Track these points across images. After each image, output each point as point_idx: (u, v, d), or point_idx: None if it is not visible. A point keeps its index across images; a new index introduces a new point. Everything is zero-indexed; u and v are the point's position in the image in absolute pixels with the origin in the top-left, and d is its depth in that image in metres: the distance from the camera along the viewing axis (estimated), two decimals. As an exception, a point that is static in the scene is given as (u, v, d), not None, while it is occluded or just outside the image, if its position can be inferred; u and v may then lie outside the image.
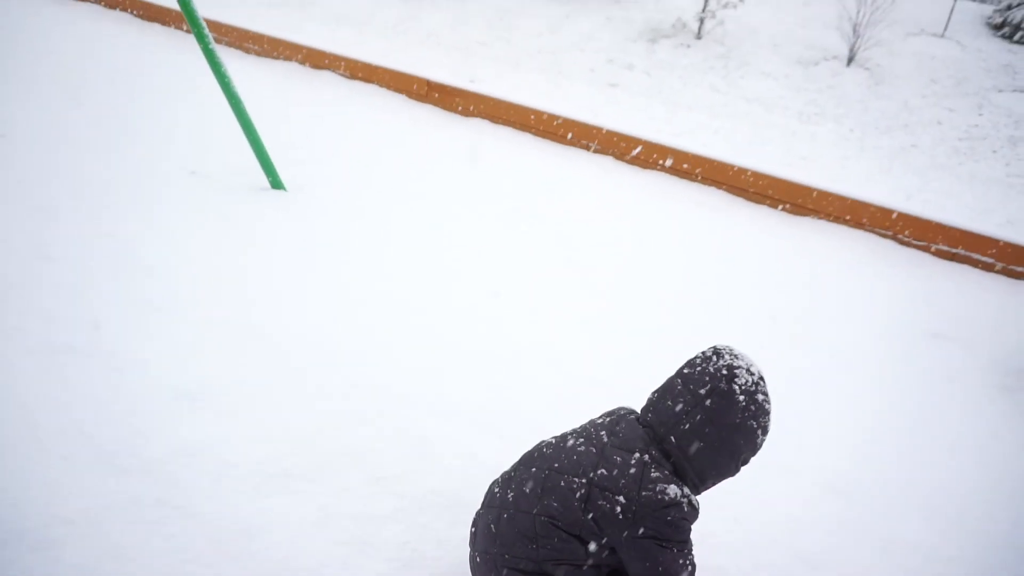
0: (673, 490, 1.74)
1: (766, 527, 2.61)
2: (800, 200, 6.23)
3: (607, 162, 6.61)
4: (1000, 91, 9.11)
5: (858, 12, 9.07)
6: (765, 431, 1.80)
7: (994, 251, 5.89)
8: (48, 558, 2.01)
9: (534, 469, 1.91)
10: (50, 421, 2.47)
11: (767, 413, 1.80)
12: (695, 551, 1.84)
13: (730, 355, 1.83)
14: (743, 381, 1.77)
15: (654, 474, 1.76)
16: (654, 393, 1.94)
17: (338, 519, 2.34)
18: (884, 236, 6.13)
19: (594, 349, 3.59)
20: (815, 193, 6.15)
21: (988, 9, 11.20)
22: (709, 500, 2.09)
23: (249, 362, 2.99)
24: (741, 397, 1.76)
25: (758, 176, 6.23)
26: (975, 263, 5.93)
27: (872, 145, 8.11)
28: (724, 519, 2.56)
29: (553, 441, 1.99)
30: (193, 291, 3.42)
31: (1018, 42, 10.05)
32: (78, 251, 3.58)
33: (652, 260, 4.86)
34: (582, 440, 1.92)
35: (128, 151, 5.00)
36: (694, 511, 1.77)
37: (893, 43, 9.80)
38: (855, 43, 9.19)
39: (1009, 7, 10.22)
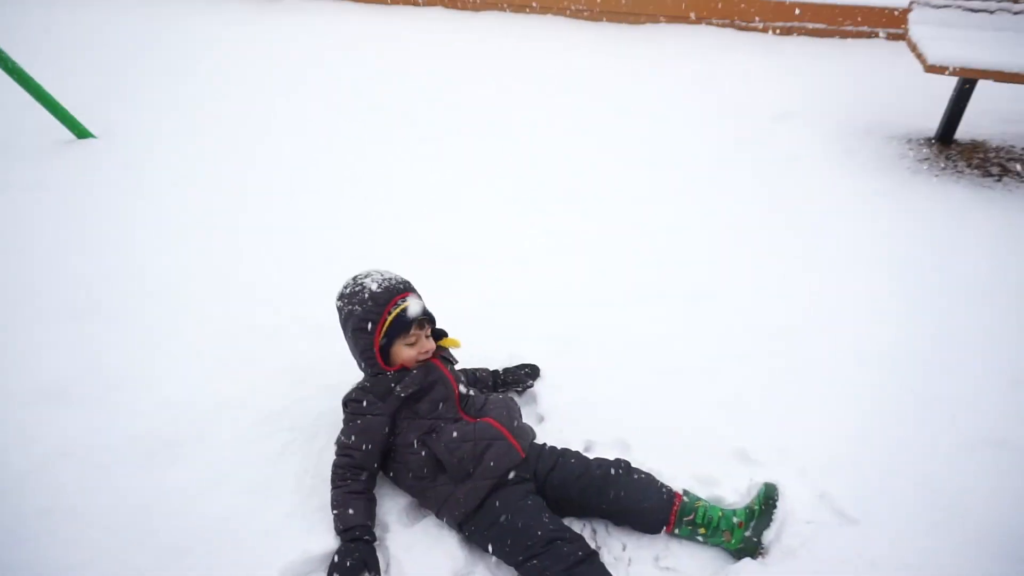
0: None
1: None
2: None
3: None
4: None
5: None
6: (347, 320, 2.29)
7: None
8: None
9: None
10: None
11: (339, 310, 2.32)
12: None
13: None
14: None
15: None
16: None
17: (235, 471, 2.35)
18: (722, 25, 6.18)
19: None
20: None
21: None
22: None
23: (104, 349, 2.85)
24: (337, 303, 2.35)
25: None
26: (811, 32, 6.07)
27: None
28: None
29: None
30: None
31: None
32: None
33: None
34: None
35: None
36: (349, 399, 2.29)
37: None
38: None
39: None
